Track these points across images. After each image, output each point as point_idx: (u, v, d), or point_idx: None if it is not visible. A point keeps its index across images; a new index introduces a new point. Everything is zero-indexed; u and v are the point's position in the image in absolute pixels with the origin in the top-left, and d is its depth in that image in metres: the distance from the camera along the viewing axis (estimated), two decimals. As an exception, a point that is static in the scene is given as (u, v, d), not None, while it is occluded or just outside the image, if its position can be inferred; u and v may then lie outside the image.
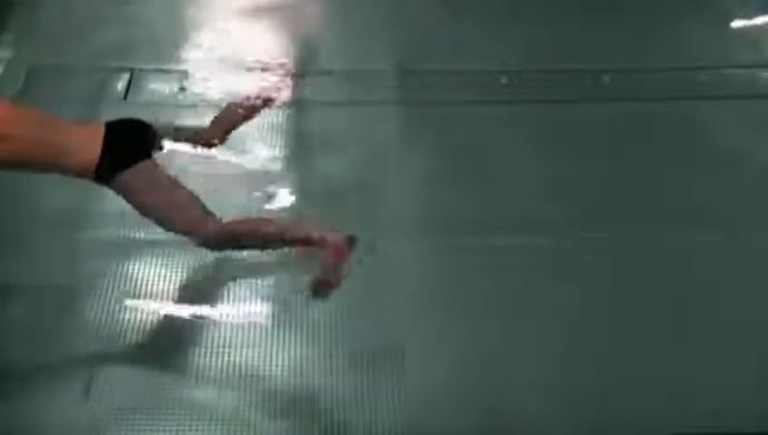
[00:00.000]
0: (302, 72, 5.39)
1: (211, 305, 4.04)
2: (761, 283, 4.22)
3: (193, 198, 3.55)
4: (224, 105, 4.02)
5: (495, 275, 4.21)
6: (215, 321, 3.98)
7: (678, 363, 3.86)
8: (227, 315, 4.00)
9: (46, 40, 5.58)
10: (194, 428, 3.55)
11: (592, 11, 6.00)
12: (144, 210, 3.56)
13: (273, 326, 3.98)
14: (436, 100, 5.20)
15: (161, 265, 4.18)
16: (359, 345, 3.88)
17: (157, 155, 3.49)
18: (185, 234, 3.61)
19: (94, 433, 3.53)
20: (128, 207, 4.14)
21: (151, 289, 4.08)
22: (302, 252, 3.61)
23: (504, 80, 5.39)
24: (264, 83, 3.95)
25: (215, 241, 3.62)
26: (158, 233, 4.28)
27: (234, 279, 4.15)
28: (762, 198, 4.66)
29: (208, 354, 3.83)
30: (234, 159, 4.45)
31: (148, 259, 4.18)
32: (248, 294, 4.10)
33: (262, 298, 4.08)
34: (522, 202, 4.59)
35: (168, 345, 3.88)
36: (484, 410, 3.66)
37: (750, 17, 6.03)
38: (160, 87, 5.29)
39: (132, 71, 5.35)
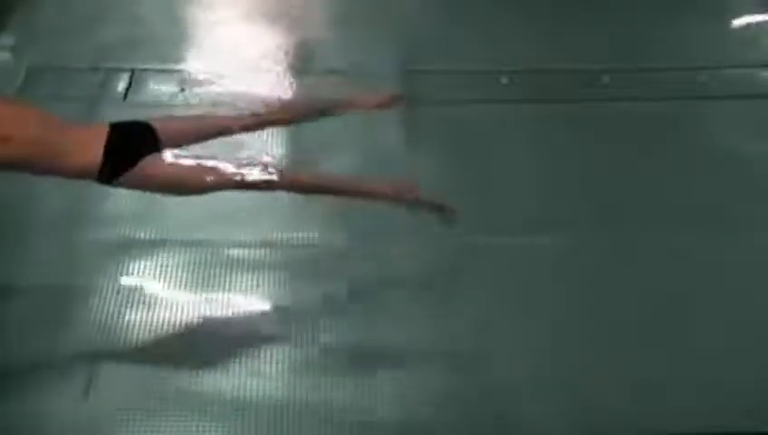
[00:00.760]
0: (302, 71, 5.40)
1: (211, 305, 4.04)
2: (761, 283, 4.21)
3: (199, 167, 3.61)
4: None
5: (495, 275, 4.22)
6: (215, 320, 3.98)
7: (678, 363, 3.86)
8: (227, 315, 4.00)
9: (46, 40, 5.58)
10: (194, 427, 3.55)
11: (592, 11, 6.00)
12: (155, 192, 3.65)
13: (273, 326, 3.98)
14: (437, 100, 5.20)
15: (161, 265, 4.18)
16: (360, 344, 3.88)
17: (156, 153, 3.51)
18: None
19: (94, 433, 3.53)
20: (128, 207, 4.16)
21: (151, 289, 4.08)
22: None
23: (504, 80, 5.39)
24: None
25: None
26: (158, 233, 4.30)
27: (234, 279, 4.15)
28: (762, 197, 4.66)
29: (208, 354, 3.84)
30: (234, 157, 4.44)
31: (148, 259, 4.19)
32: (248, 293, 4.10)
33: (262, 298, 4.08)
34: (522, 202, 4.59)
35: (168, 345, 3.88)
36: (482, 410, 3.66)
37: (750, 17, 6.02)
38: (160, 87, 5.29)
39: (132, 71, 5.36)
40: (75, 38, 5.60)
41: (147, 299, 4.03)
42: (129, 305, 4.01)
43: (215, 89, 5.25)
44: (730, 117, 5.19)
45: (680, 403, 3.70)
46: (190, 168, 3.56)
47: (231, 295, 4.08)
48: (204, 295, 4.08)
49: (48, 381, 3.68)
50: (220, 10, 5.94)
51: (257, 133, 4.75)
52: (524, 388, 3.75)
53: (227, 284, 4.14)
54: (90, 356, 3.79)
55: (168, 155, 3.54)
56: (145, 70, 5.37)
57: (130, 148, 3.48)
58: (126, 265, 4.17)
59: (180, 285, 4.13)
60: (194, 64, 5.44)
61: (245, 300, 4.07)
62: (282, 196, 4.37)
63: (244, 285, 4.12)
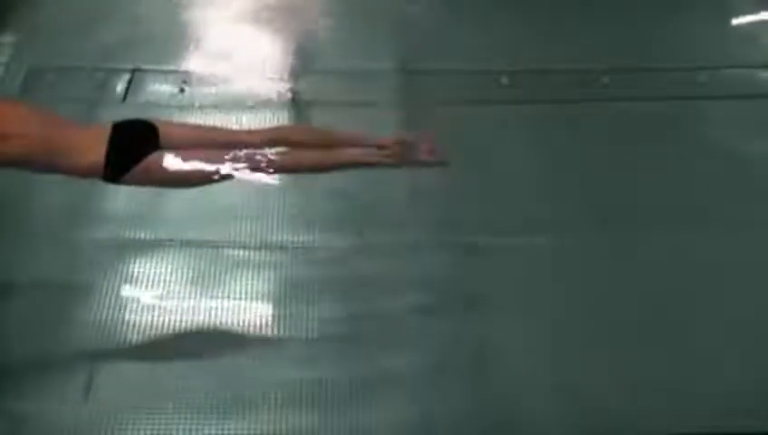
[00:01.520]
0: (302, 71, 5.40)
1: (212, 304, 4.04)
2: (761, 283, 4.21)
3: (201, 161, 3.63)
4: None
5: (495, 274, 4.21)
6: (214, 320, 3.98)
7: (678, 363, 3.86)
8: (228, 315, 4.00)
9: (47, 40, 5.58)
10: (194, 427, 3.55)
11: (592, 11, 6.00)
12: (158, 187, 3.67)
13: (273, 326, 3.98)
14: (437, 100, 5.20)
15: (161, 264, 4.18)
16: (361, 343, 3.88)
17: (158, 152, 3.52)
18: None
19: (94, 433, 3.53)
20: (128, 207, 4.16)
21: (151, 289, 4.08)
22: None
23: (504, 80, 5.39)
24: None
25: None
26: (159, 233, 4.30)
27: (234, 279, 4.15)
28: (762, 197, 4.66)
29: (209, 354, 3.84)
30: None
31: (148, 259, 4.18)
32: (248, 294, 4.10)
33: (262, 298, 4.08)
34: (522, 202, 4.59)
35: (168, 345, 3.88)
36: (482, 409, 3.66)
37: (750, 17, 6.02)
38: (160, 87, 5.29)
39: (133, 71, 5.35)
40: (75, 38, 5.60)
41: (147, 299, 4.03)
42: (129, 305, 4.01)
43: (215, 89, 5.25)
44: (730, 117, 5.19)
45: (680, 403, 3.70)
46: (192, 163, 3.57)
47: (231, 296, 4.08)
48: (203, 296, 4.08)
49: (48, 381, 3.68)
50: (220, 10, 5.93)
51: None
52: (524, 388, 3.75)
53: (227, 284, 4.14)
54: (90, 356, 3.80)
55: (170, 151, 3.55)
56: (145, 70, 5.37)
57: (133, 146, 3.51)
58: (126, 264, 4.17)
59: (180, 286, 4.13)
60: (194, 64, 5.44)
61: (245, 300, 4.07)
62: (282, 196, 4.39)
63: (244, 285, 4.12)
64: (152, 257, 4.17)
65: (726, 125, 5.13)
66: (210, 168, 3.59)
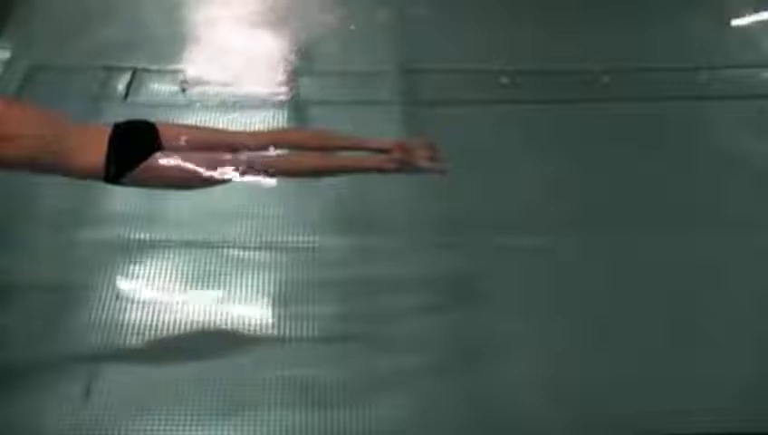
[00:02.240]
0: (302, 71, 5.40)
1: (211, 305, 4.04)
2: (761, 283, 4.21)
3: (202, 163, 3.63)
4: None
5: (495, 274, 4.21)
6: (215, 320, 3.98)
7: (678, 363, 3.86)
8: (228, 315, 4.00)
9: (47, 39, 5.58)
10: (194, 427, 3.55)
11: (592, 12, 6.00)
12: (160, 188, 3.66)
13: (273, 326, 3.98)
14: (437, 100, 5.20)
15: (161, 265, 4.18)
16: (361, 343, 3.88)
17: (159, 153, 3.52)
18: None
19: (94, 433, 3.53)
20: (128, 207, 4.16)
21: (151, 289, 4.08)
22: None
23: (504, 80, 5.39)
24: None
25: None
26: (159, 233, 4.30)
27: (234, 279, 4.15)
28: (762, 197, 4.66)
29: (208, 354, 3.84)
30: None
31: (148, 259, 4.19)
32: (248, 293, 4.10)
33: (262, 298, 4.08)
34: (522, 202, 4.59)
35: (168, 345, 3.88)
36: (482, 409, 3.66)
37: (750, 17, 6.02)
38: (160, 87, 5.29)
39: (133, 71, 5.36)
40: (76, 38, 5.60)
41: (147, 299, 4.03)
42: (129, 306, 4.01)
43: (215, 89, 5.25)
44: (730, 117, 5.19)
45: (680, 403, 3.70)
46: (194, 164, 3.58)
47: (231, 296, 4.08)
48: (204, 296, 4.08)
49: (48, 382, 3.68)
50: (220, 10, 5.94)
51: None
52: (524, 387, 3.75)
53: (227, 284, 4.14)
54: (90, 356, 3.80)
55: (172, 152, 3.55)
56: (145, 70, 5.38)
57: (134, 147, 3.50)
58: (126, 265, 4.18)
59: (180, 286, 4.13)
60: (194, 64, 5.44)
61: (245, 300, 4.07)
62: (282, 196, 4.39)
63: (244, 285, 4.12)
64: (152, 258, 4.17)
65: (726, 125, 5.13)
66: (211, 170, 3.59)
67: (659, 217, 4.55)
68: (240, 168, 3.61)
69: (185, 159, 3.56)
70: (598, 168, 4.82)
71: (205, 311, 4.02)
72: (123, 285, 4.10)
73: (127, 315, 3.96)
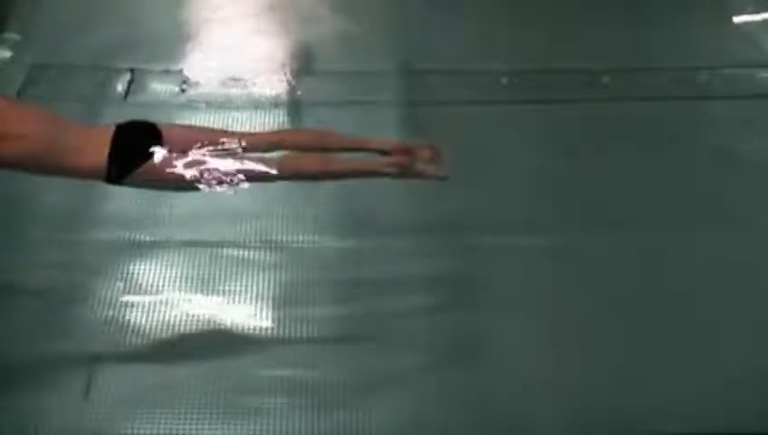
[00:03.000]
0: (301, 71, 5.41)
1: (211, 305, 4.04)
2: (761, 283, 4.21)
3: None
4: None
5: (495, 274, 4.21)
6: (215, 320, 3.98)
7: (679, 363, 3.86)
8: (228, 315, 4.00)
9: (47, 39, 5.58)
10: (194, 427, 3.55)
11: (592, 12, 6.00)
12: (161, 190, 3.67)
13: (273, 326, 3.98)
14: (437, 100, 5.20)
15: (161, 265, 4.18)
16: (361, 343, 3.88)
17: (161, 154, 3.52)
18: None
19: (94, 433, 3.53)
20: (128, 207, 4.16)
21: (151, 289, 4.08)
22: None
23: (504, 80, 5.39)
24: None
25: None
26: (159, 233, 4.30)
27: (234, 279, 4.15)
28: (762, 198, 4.66)
29: (209, 354, 3.84)
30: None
31: (149, 259, 4.19)
32: (248, 293, 4.10)
33: (262, 298, 4.08)
34: (522, 202, 4.59)
35: (168, 345, 3.88)
36: (482, 409, 3.66)
37: (750, 17, 6.02)
38: (160, 87, 5.29)
39: (133, 71, 5.35)
40: (76, 37, 5.60)
41: (147, 299, 4.03)
42: (129, 305, 4.01)
43: (215, 89, 5.25)
44: (730, 117, 5.19)
45: (680, 403, 3.70)
46: (196, 166, 3.58)
47: (231, 296, 4.08)
48: (203, 296, 4.08)
49: (48, 381, 3.67)
50: (220, 10, 5.93)
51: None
52: (524, 388, 3.75)
53: (227, 284, 4.14)
54: (90, 357, 3.79)
55: (174, 154, 3.54)
56: (145, 70, 5.37)
57: (136, 147, 3.49)
58: (126, 265, 4.17)
59: (180, 286, 4.13)
60: (194, 64, 5.44)
61: (245, 300, 4.07)
62: (282, 196, 4.39)
63: (244, 285, 4.12)
64: (152, 258, 4.17)
65: (726, 125, 5.13)
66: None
67: (659, 217, 4.55)
68: (241, 169, 3.62)
69: (186, 163, 3.56)
70: (598, 168, 4.82)
71: (205, 311, 4.01)
72: (123, 285, 4.09)
73: (127, 315, 3.96)
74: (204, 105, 5.13)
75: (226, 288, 4.11)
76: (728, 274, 4.25)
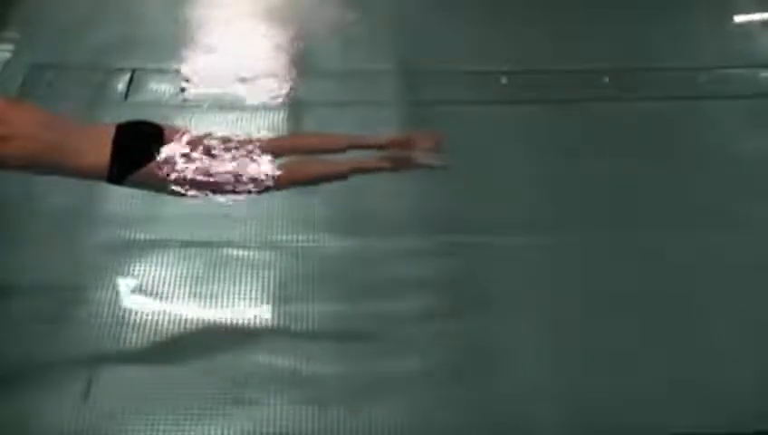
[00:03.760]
0: (302, 72, 5.40)
1: (211, 305, 4.04)
2: (761, 283, 4.21)
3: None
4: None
5: (495, 274, 4.21)
6: (215, 320, 3.98)
7: (679, 363, 3.86)
8: (227, 315, 4.00)
9: (47, 39, 5.57)
10: (194, 426, 3.55)
11: (592, 11, 5.99)
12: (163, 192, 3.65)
13: (273, 326, 3.98)
14: (437, 100, 5.20)
15: (161, 265, 4.18)
16: (361, 344, 3.88)
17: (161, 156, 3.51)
18: None
19: (94, 433, 3.53)
20: (128, 207, 4.16)
21: (151, 289, 4.08)
22: None
23: (504, 80, 5.39)
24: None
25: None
26: (159, 233, 4.30)
27: (234, 279, 4.15)
28: (762, 198, 4.66)
29: (209, 353, 3.84)
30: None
31: (149, 259, 4.18)
32: (249, 293, 4.10)
33: (262, 298, 4.08)
34: (522, 202, 4.59)
35: (168, 346, 3.88)
36: (482, 410, 3.66)
37: (750, 17, 6.02)
38: (160, 87, 5.28)
39: (133, 70, 5.35)
40: (76, 37, 5.59)
41: (147, 300, 4.03)
42: (129, 305, 4.01)
43: (215, 89, 5.25)
44: (730, 117, 5.19)
45: (680, 403, 3.70)
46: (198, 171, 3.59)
47: (231, 296, 4.08)
48: (204, 295, 4.08)
49: (48, 382, 3.68)
50: (220, 10, 5.93)
51: (259, 133, 4.78)
52: (523, 388, 3.75)
53: (227, 284, 4.14)
54: (90, 357, 3.79)
55: (177, 156, 3.53)
56: (145, 70, 5.37)
57: (138, 147, 3.48)
58: (126, 265, 4.17)
59: (180, 285, 4.13)
60: (194, 64, 5.44)
61: (245, 300, 4.07)
62: (282, 196, 4.38)
63: (244, 285, 4.12)
64: (152, 258, 4.17)
65: (726, 125, 5.13)
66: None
67: (659, 217, 4.55)
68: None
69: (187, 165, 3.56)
70: (598, 167, 4.81)
71: (204, 311, 4.02)
72: (123, 285, 4.09)
73: (127, 315, 3.96)
74: (204, 105, 5.12)
75: (226, 288, 4.11)
76: (728, 274, 4.25)
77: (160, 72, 5.37)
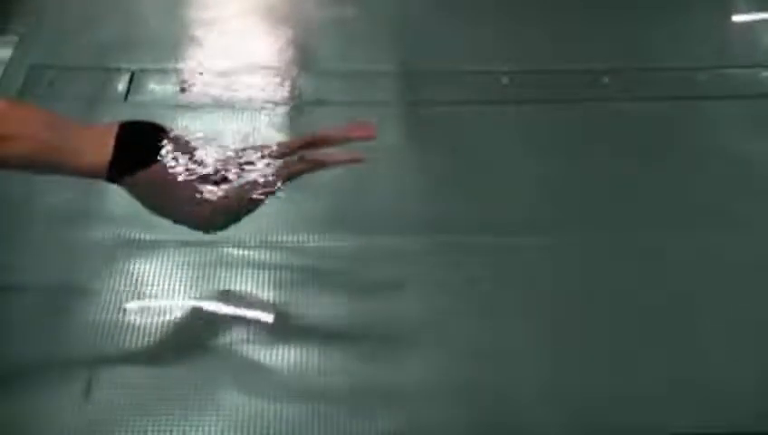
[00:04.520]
0: (301, 71, 5.40)
1: (212, 305, 4.04)
2: (761, 283, 4.21)
3: (195, 193, 3.58)
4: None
5: (495, 275, 4.20)
6: (215, 321, 3.98)
7: (680, 363, 3.85)
8: (228, 315, 4.00)
9: (47, 39, 5.58)
10: (195, 428, 3.55)
11: (592, 11, 6.00)
12: (148, 205, 3.61)
13: (275, 325, 3.98)
14: (437, 100, 5.20)
15: (161, 265, 4.18)
16: (361, 345, 3.88)
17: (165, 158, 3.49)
18: (183, 223, 3.65)
19: (94, 433, 3.53)
20: (128, 207, 4.15)
21: (151, 289, 4.08)
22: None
23: (504, 80, 5.39)
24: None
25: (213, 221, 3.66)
26: (159, 233, 4.30)
27: (234, 279, 4.15)
28: (762, 198, 4.66)
29: (209, 354, 3.84)
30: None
31: (149, 259, 4.18)
32: (248, 294, 4.09)
33: (262, 299, 4.08)
34: (522, 202, 4.58)
35: (169, 346, 3.88)
36: (482, 410, 3.66)
37: (750, 17, 6.02)
38: (160, 87, 5.28)
39: (132, 71, 5.35)
40: (76, 37, 5.59)
41: (147, 299, 4.02)
42: (129, 305, 4.00)
43: (215, 89, 5.25)
44: (730, 117, 5.18)
45: (680, 403, 3.69)
46: (189, 188, 3.57)
47: (231, 296, 4.08)
48: (204, 296, 4.07)
49: (48, 381, 3.66)
50: (220, 10, 5.93)
51: (258, 133, 4.80)
52: (523, 388, 3.74)
53: (227, 284, 4.13)
54: (90, 356, 3.78)
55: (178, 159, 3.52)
56: (145, 70, 5.37)
57: (141, 148, 3.46)
58: (126, 265, 4.16)
59: (180, 286, 4.12)
60: (194, 64, 5.44)
61: (246, 301, 4.06)
62: (282, 196, 4.37)
63: (244, 285, 4.11)
64: (152, 258, 4.16)
65: (726, 125, 5.12)
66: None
67: (660, 217, 4.54)
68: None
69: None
70: (598, 167, 4.81)
71: (204, 311, 4.01)
72: (123, 285, 4.09)
73: (127, 315, 3.95)
74: (204, 105, 5.13)
75: (226, 288, 4.11)
76: (728, 274, 4.24)
77: (160, 72, 5.37)
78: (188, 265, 4.20)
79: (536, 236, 4.40)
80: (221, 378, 3.75)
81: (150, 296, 4.06)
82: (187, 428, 3.58)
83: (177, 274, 4.18)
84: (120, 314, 3.96)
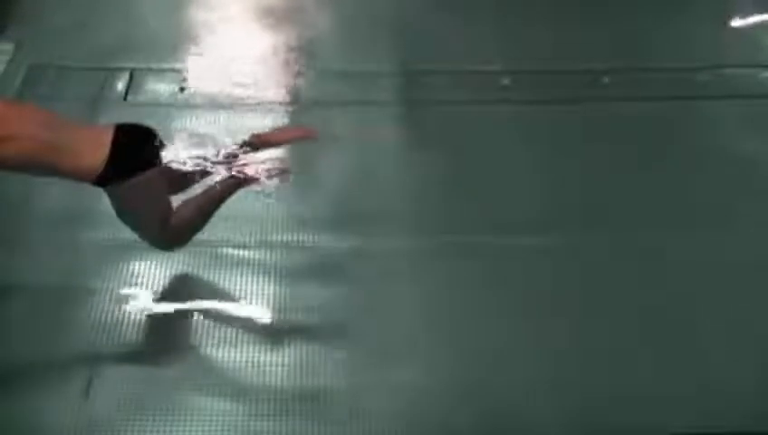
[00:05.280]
0: (301, 71, 5.40)
1: (211, 304, 4.04)
2: (761, 283, 4.21)
3: (169, 208, 3.62)
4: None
5: (495, 276, 4.21)
6: (215, 320, 3.97)
7: (680, 363, 3.85)
8: (228, 314, 4.00)
9: (46, 39, 5.57)
10: (195, 428, 3.54)
11: (592, 11, 6.00)
12: (125, 213, 3.60)
13: (274, 324, 3.97)
14: (437, 100, 5.20)
15: (161, 265, 4.17)
16: (361, 345, 3.88)
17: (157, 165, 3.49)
18: (144, 237, 3.74)
19: (94, 433, 3.53)
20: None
21: (151, 289, 4.08)
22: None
23: (505, 80, 5.39)
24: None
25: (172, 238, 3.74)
26: (158, 233, 4.28)
27: (234, 278, 4.15)
28: (762, 198, 4.66)
29: (209, 354, 3.83)
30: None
31: (148, 259, 4.18)
32: (249, 292, 4.09)
33: (263, 296, 4.08)
34: (522, 202, 4.58)
35: (169, 345, 3.88)
36: (483, 411, 3.65)
37: (750, 17, 6.02)
38: (160, 87, 5.28)
39: (132, 71, 5.34)
40: (75, 37, 5.59)
41: (146, 300, 4.02)
42: (128, 306, 4.00)
43: (215, 89, 5.25)
44: (730, 117, 5.18)
45: (680, 403, 3.69)
46: (167, 201, 3.59)
47: (231, 296, 4.08)
48: (204, 296, 4.07)
49: (48, 381, 3.66)
50: (220, 9, 5.93)
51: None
52: (523, 388, 3.74)
53: (227, 284, 4.13)
54: (89, 356, 3.78)
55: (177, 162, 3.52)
56: (145, 70, 5.36)
57: (137, 151, 3.45)
58: (126, 265, 4.16)
59: (180, 286, 4.12)
60: (194, 64, 5.43)
61: (245, 300, 4.06)
62: (281, 196, 4.39)
63: (244, 285, 4.11)
64: (152, 258, 4.16)
65: (726, 125, 5.12)
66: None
67: (660, 218, 4.54)
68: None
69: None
70: (598, 168, 4.81)
71: (204, 311, 4.01)
72: (122, 285, 4.09)
73: (126, 316, 3.95)
74: (204, 105, 5.13)
75: (226, 288, 4.11)
76: (729, 274, 4.24)
77: (160, 72, 5.37)
78: (188, 265, 4.20)
79: (536, 236, 4.40)
80: (221, 377, 3.76)
81: (149, 297, 4.06)
82: (187, 427, 3.59)
83: (176, 274, 4.18)
84: (120, 315, 3.96)
